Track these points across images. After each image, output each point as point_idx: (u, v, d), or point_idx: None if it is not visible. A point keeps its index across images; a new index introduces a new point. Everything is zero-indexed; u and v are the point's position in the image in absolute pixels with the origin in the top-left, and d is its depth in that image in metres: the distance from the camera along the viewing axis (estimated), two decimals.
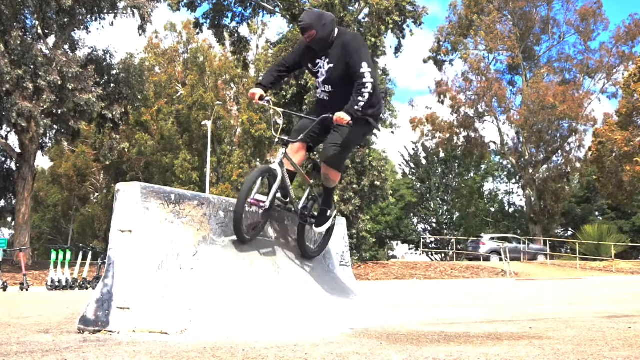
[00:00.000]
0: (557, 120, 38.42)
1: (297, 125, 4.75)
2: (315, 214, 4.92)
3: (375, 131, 26.63)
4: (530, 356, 2.63)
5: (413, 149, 46.87)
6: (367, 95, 4.29)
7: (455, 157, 46.13)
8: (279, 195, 4.51)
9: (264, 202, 4.28)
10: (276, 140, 4.57)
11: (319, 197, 5.01)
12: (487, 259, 30.86)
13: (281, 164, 4.48)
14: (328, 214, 4.86)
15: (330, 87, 4.54)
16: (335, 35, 4.49)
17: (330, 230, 5.09)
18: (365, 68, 4.31)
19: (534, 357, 2.62)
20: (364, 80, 4.29)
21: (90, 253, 16.80)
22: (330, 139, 4.55)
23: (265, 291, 4.19)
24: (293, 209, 4.78)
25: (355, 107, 4.28)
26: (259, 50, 44.31)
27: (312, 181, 5.04)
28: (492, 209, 49.93)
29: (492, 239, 33.51)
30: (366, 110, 4.42)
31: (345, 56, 4.40)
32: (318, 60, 4.56)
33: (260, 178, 4.29)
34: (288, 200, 4.69)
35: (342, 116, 4.25)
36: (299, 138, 4.60)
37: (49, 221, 50.15)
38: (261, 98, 4.55)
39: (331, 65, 4.48)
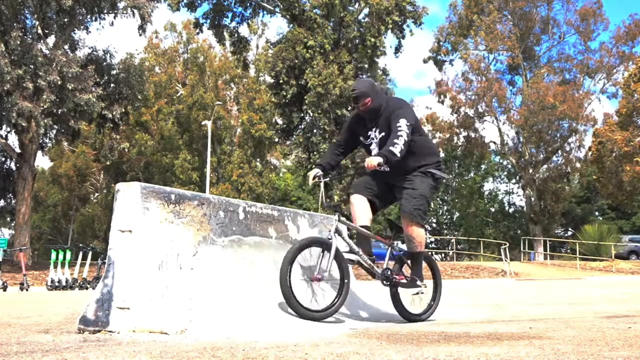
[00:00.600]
0: (557, 120, 38.41)
1: (355, 184, 4.79)
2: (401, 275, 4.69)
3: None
4: (530, 356, 2.63)
5: None
6: (401, 141, 4.19)
7: (455, 157, 46.15)
8: (365, 258, 4.45)
9: (320, 276, 4.15)
10: (324, 206, 4.53)
11: (405, 257, 4.77)
12: (625, 257, 30.76)
13: (337, 232, 4.33)
14: (417, 283, 4.62)
15: None
16: (385, 103, 4.46)
17: (437, 287, 4.90)
18: (402, 122, 4.26)
19: (534, 357, 2.61)
20: (399, 127, 4.24)
21: (90, 253, 16.80)
22: (403, 194, 4.47)
23: (265, 291, 4.20)
24: (374, 273, 4.56)
25: (390, 149, 4.18)
26: (259, 50, 44.33)
27: (390, 241, 4.93)
28: (492, 209, 49.96)
29: (632, 240, 33.67)
30: (417, 162, 4.46)
31: (392, 121, 4.34)
32: (369, 132, 4.50)
33: (303, 252, 4.11)
34: (369, 261, 4.51)
35: (370, 160, 4.17)
36: (361, 192, 4.58)
37: (49, 221, 50.18)
38: (317, 177, 4.52)
39: (383, 134, 4.42)
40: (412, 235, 4.49)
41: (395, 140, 4.19)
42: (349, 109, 25.25)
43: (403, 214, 4.44)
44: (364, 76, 26.23)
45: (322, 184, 4.54)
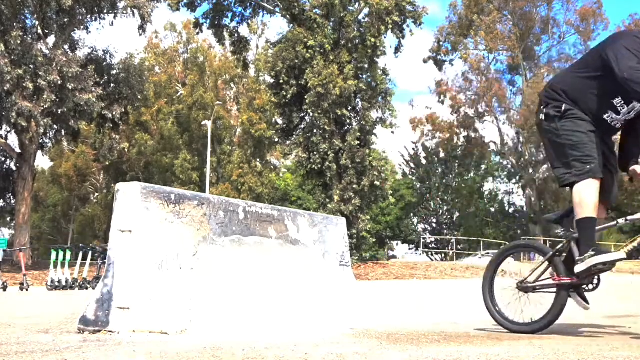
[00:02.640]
0: None
1: None
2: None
3: (375, 132, 26.65)
4: (530, 356, 2.63)
5: (413, 149, 46.93)
6: None
7: (455, 157, 46.14)
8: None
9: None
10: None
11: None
12: None
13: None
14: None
15: None
16: None
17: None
18: None
19: (534, 357, 2.61)
20: None
21: (90, 253, 16.79)
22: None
23: (265, 291, 4.19)
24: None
25: None
26: (259, 50, 44.33)
27: None
28: (492, 209, 49.92)
29: None
30: None
31: None
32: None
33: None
34: None
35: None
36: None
37: (49, 221, 50.16)
38: None
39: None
40: None
41: None
42: (349, 108, 25.25)
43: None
44: (364, 76, 26.21)
45: None
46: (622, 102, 3.55)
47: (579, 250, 3.51)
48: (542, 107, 3.74)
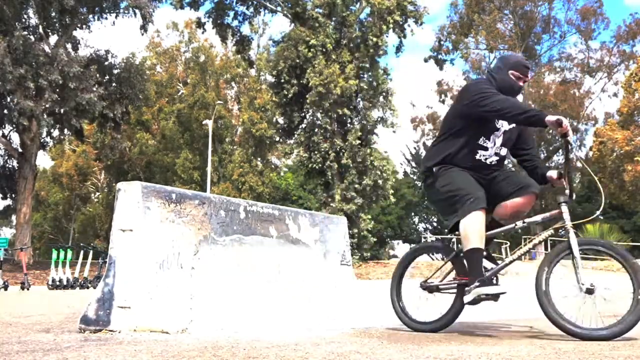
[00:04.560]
0: None
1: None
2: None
3: (376, 131, 26.64)
4: (531, 355, 2.63)
5: (414, 148, 46.92)
6: None
7: None
8: None
9: None
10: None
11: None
12: None
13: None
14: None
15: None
16: None
17: None
18: None
19: (535, 356, 2.61)
20: None
21: (91, 252, 16.79)
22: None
23: (266, 290, 4.20)
24: None
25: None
26: (260, 50, 44.34)
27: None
28: None
29: None
30: None
31: None
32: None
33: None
34: None
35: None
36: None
37: (50, 220, 50.20)
38: None
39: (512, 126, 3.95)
40: None
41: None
42: (350, 108, 25.24)
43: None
44: (366, 76, 26.21)
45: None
46: (484, 139, 3.78)
47: (468, 281, 3.61)
48: (422, 184, 4.03)
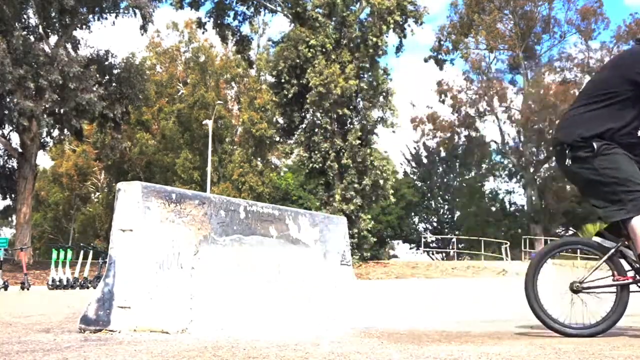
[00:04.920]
0: (558, 119, 38.37)
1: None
2: None
3: (376, 131, 26.61)
4: (531, 355, 2.63)
5: (414, 148, 46.90)
6: None
7: (456, 156, 46.11)
8: None
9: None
10: None
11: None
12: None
13: None
14: None
15: None
16: None
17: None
18: None
19: (535, 356, 2.61)
20: None
21: (91, 252, 16.78)
22: None
23: (266, 290, 4.20)
24: None
25: None
26: (260, 50, 44.34)
27: None
28: (493, 208, 49.89)
29: None
30: None
31: None
32: None
33: None
34: None
35: None
36: None
37: (50, 220, 50.19)
38: None
39: None
40: None
41: None
42: (350, 108, 25.24)
43: None
44: (366, 76, 26.20)
45: None
46: None
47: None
48: (566, 152, 3.54)
